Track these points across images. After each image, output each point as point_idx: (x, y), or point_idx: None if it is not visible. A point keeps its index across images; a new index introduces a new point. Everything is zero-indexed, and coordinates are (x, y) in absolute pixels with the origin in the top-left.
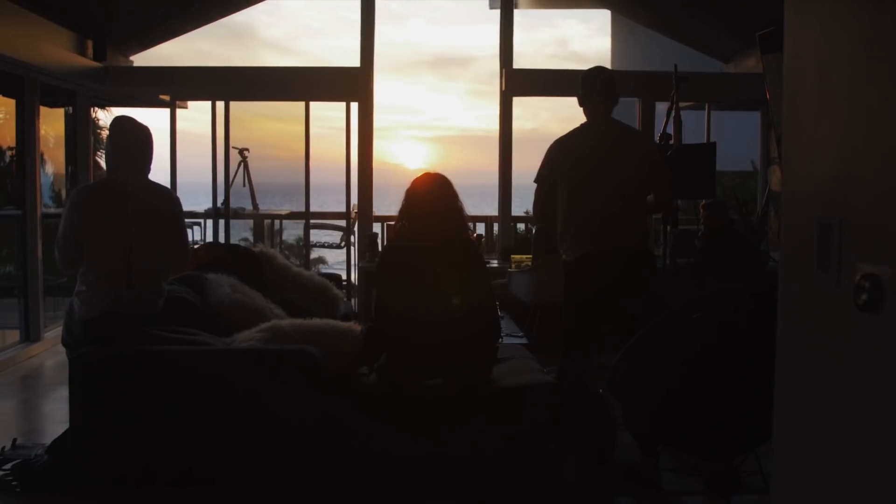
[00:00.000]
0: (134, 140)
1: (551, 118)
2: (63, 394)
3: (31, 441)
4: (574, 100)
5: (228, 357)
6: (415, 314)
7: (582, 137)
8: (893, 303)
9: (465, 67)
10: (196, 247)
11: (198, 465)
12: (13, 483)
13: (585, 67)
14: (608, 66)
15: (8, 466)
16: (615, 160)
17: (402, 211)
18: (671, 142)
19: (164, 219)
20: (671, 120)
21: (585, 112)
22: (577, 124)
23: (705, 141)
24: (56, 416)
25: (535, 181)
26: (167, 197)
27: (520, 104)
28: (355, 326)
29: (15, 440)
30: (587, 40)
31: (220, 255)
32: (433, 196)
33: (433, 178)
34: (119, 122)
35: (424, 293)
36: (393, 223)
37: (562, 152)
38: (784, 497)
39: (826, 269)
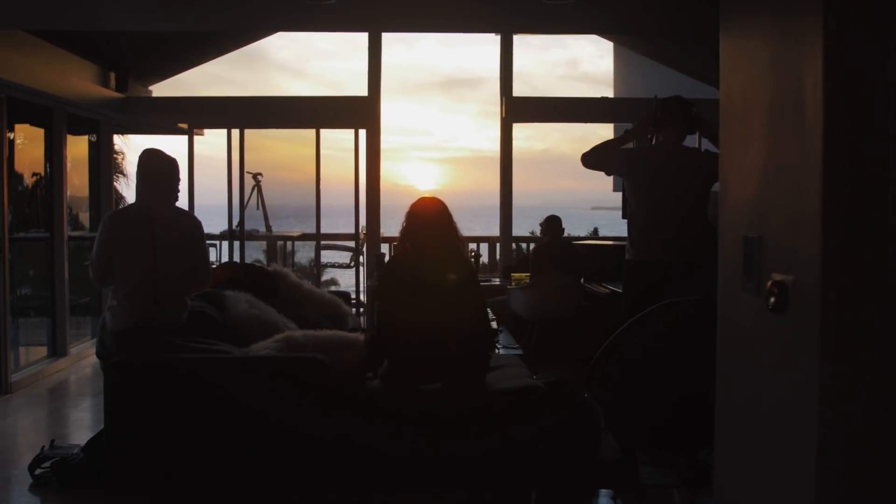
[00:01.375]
0: (160, 170)
1: (562, 139)
2: (89, 403)
3: (65, 443)
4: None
5: (247, 364)
6: (414, 326)
7: (653, 155)
8: (795, 305)
9: (476, 89)
10: (215, 266)
11: (219, 461)
12: (52, 479)
13: (591, 89)
14: (611, 89)
15: (47, 464)
16: (678, 181)
17: (404, 232)
18: None
19: (187, 241)
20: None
21: (660, 136)
22: (587, 146)
23: None
24: (84, 423)
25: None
26: (190, 221)
27: (531, 125)
28: (360, 337)
29: (53, 441)
30: (597, 61)
31: (237, 274)
32: (431, 219)
33: (431, 202)
34: (147, 153)
35: (423, 306)
36: (397, 244)
37: (631, 161)
38: (726, 476)
39: (749, 277)
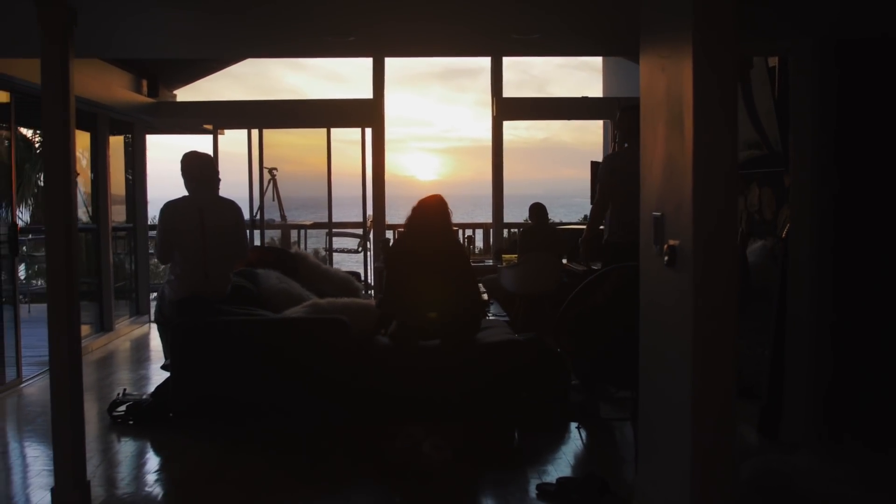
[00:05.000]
0: (200, 170)
1: (563, 127)
2: (134, 368)
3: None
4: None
5: (283, 324)
6: (416, 294)
7: (622, 163)
8: (680, 262)
9: (475, 78)
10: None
11: (261, 401)
12: (128, 418)
13: (590, 77)
14: (600, 86)
15: (122, 408)
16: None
17: (409, 220)
18: None
19: (230, 224)
20: (616, 141)
21: (630, 139)
22: (585, 135)
23: None
24: (133, 383)
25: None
26: (231, 208)
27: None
28: (373, 303)
29: (125, 389)
30: None
31: (266, 256)
32: (431, 211)
33: (434, 198)
34: (187, 157)
35: (423, 278)
36: (402, 230)
37: (615, 177)
38: (646, 384)
39: (657, 242)
